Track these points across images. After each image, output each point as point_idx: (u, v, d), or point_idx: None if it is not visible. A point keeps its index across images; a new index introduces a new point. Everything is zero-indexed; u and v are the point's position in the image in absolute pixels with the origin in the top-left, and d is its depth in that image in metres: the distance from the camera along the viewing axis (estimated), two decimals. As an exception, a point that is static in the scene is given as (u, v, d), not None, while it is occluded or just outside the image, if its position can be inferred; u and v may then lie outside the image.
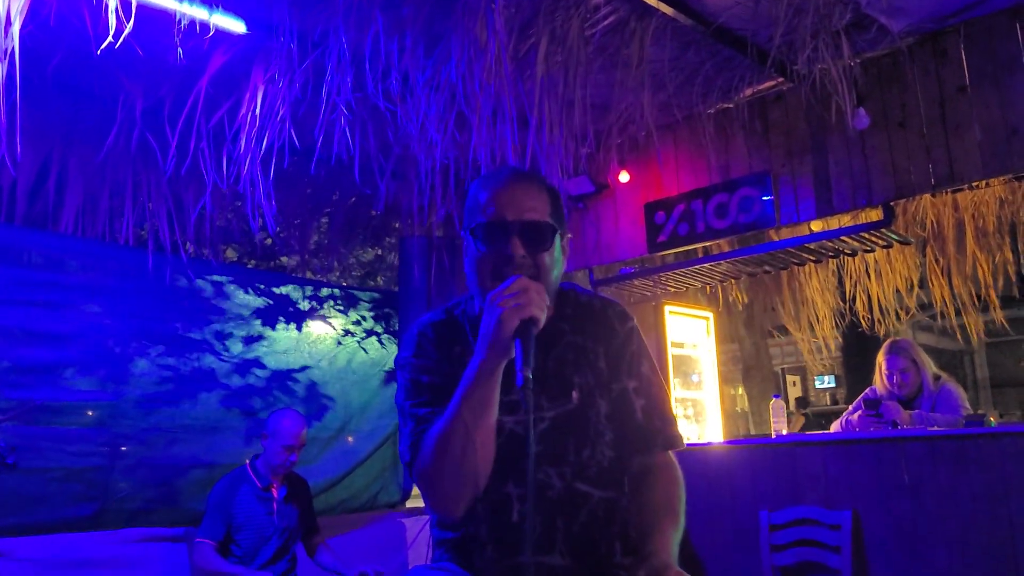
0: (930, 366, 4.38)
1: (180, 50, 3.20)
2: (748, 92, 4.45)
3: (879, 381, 4.43)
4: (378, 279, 7.40)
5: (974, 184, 4.86)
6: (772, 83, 4.39)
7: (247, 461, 3.87)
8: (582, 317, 1.70)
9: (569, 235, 1.71)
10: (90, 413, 4.00)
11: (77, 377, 3.96)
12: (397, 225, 5.82)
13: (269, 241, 6.17)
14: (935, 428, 3.86)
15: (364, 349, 5.25)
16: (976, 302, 6.14)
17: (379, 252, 7.54)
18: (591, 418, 1.63)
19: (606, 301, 1.74)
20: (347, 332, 5.22)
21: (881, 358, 4.42)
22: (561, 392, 1.62)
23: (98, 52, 2.97)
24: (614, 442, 1.67)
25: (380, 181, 4.37)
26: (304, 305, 5.04)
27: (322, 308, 5.14)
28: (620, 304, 1.77)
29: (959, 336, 6.75)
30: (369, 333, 5.33)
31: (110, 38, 2.88)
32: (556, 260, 1.62)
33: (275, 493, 3.82)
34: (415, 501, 5.33)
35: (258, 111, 3.66)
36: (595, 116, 4.39)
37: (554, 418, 1.60)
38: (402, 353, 1.70)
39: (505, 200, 1.58)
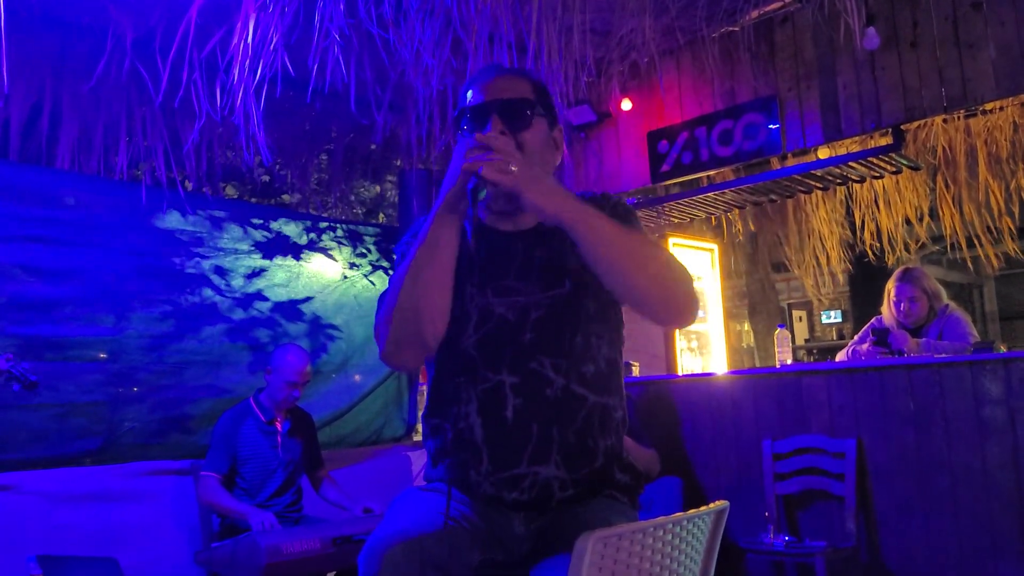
0: (942, 296, 4.29)
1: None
2: (754, 14, 4.33)
3: (886, 309, 4.36)
4: (380, 217, 7.35)
5: (987, 108, 4.75)
6: (779, 4, 4.27)
7: (251, 396, 3.88)
8: None
9: (560, 127, 1.71)
10: (93, 349, 4.00)
11: (78, 313, 3.95)
12: (399, 163, 5.75)
13: (267, 178, 6.10)
14: (942, 355, 3.82)
15: (369, 283, 5.22)
16: (991, 233, 6.02)
17: (379, 191, 7.48)
18: (586, 305, 1.61)
19: (607, 194, 1.72)
20: (351, 266, 5.19)
21: (891, 284, 4.32)
22: (555, 280, 1.61)
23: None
24: (610, 340, 1.65)
25: (377, 112, 4.29)
26: (304, 239, 4.99)
27: (323, 242, 5.10)
28: (622, 198, 1.74)
29: (970, 267, 6.67)
30: (372, 268, 5.30)
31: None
32: (544, 146, 1.62)
33: (279, 427, 3.84)
34: (420, 435, 5.35)
35: (250, 40, 3.57)
36: (595, 42, 4.28)
37: (549, 305, 1.60)
38: (403, 237, 1.71)
39: (485, 87, 1.61)
